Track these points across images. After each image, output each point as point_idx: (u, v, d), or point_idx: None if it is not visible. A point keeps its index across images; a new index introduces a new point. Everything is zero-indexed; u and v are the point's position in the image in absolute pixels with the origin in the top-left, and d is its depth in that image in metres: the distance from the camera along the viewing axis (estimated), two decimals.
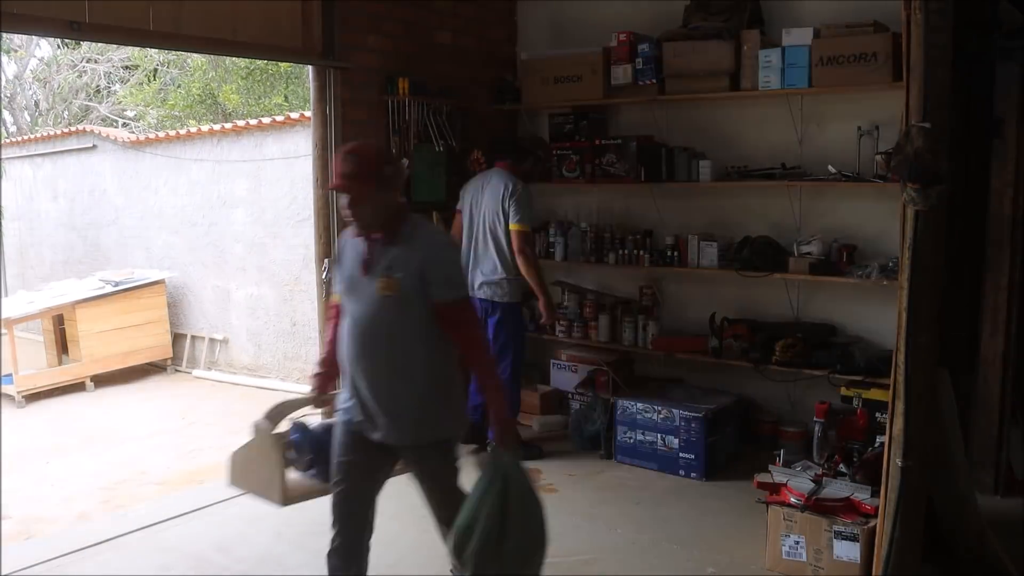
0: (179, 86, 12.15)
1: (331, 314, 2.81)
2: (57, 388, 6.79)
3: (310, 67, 4.66)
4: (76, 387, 6.90)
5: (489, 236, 4.55)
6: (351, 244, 2.67)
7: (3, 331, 6.59)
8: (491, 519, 2.45)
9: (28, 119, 13.59)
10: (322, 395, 2.84)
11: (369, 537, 2.79)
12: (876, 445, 3.46)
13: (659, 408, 4.53)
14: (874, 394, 4.26)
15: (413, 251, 2.55)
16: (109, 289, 7.15)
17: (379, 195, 2.53)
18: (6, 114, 13.40)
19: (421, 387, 2.61)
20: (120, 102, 13.18)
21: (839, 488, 3.36)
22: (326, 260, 4.69)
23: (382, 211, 2.55)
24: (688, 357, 5.00)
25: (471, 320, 2.68)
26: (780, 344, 4.57)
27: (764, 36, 4.58)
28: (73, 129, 9.12)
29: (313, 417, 3.00)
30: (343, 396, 2.71)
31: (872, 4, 4.25)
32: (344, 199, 2.54)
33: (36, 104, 13.69)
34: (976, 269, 4.10)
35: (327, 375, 2.83)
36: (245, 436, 2.92)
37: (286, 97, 11.49)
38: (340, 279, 2.68)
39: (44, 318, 7.09)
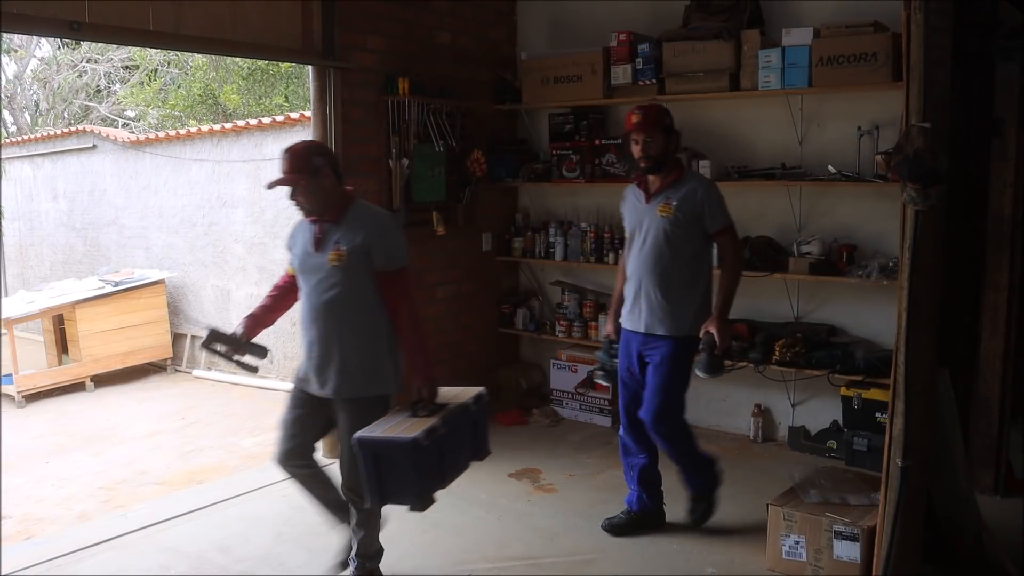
0: (179, 86, 12.16)
1: (281, 280, 3.24)
2: (57, 388, 6.79)
3: (310, 67, 4.66)
4: (76, 387, 6.89)
5: None
6: (302, 226, 3.11)
7: (3, 331, 6.59)
8: None
9: (28, 119, 13.59)
10: (247, 336, 3.13)
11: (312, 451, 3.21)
12: None
13: None
14: (874, 394, 4.27)
15: (357, 229, 2.96)
16: (109, 289, 7.14)
17: (315, 183, 2.93)
18: (6, 114, 13.40)
19: (357, 344, 3.00)
20: (120, 102, 13.19)
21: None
22: None
23: (322, 197, 2.96)
24: None
25: (407, 288, 3.05)
26: (780, 344, 4.57)
27: (764, 36, 4.57)
28: (73, 129, 9.11)
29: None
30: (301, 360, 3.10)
31: (872, 4, 4.25)
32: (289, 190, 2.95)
33: (36, 104, 13.69)
34: (976, 269, 4.10)
35: (255, 320, 3.18)
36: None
37: (286, 97, 11.50)
38: (294, 256, 3.12)
39: (44, 318, 7.08)
